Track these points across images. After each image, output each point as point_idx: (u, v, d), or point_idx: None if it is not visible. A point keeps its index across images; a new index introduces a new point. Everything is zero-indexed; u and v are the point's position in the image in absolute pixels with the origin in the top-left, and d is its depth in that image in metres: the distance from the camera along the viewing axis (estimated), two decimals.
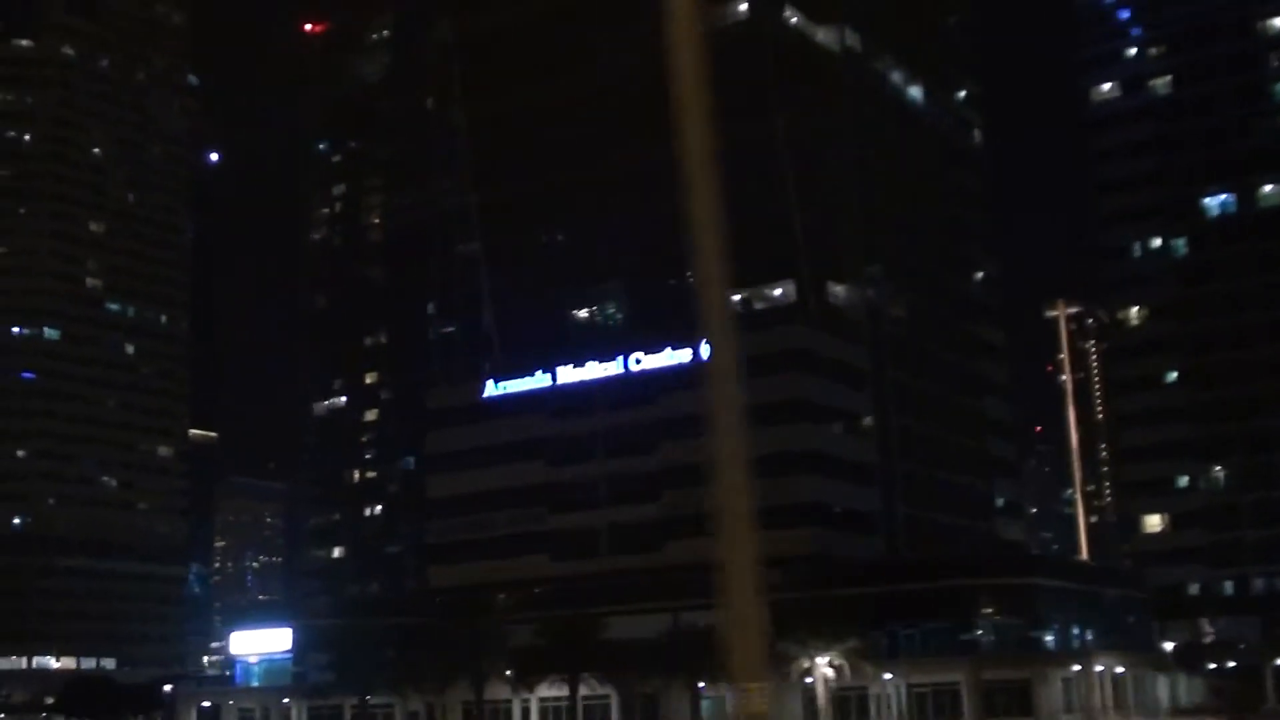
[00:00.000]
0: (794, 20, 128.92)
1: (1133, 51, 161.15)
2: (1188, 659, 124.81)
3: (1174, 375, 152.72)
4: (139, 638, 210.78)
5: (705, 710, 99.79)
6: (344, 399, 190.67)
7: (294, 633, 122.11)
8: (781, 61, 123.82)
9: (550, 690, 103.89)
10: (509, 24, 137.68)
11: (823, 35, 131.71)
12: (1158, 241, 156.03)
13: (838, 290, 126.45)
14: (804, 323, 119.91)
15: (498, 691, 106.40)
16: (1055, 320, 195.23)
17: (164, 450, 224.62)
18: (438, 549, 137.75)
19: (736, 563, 12.81)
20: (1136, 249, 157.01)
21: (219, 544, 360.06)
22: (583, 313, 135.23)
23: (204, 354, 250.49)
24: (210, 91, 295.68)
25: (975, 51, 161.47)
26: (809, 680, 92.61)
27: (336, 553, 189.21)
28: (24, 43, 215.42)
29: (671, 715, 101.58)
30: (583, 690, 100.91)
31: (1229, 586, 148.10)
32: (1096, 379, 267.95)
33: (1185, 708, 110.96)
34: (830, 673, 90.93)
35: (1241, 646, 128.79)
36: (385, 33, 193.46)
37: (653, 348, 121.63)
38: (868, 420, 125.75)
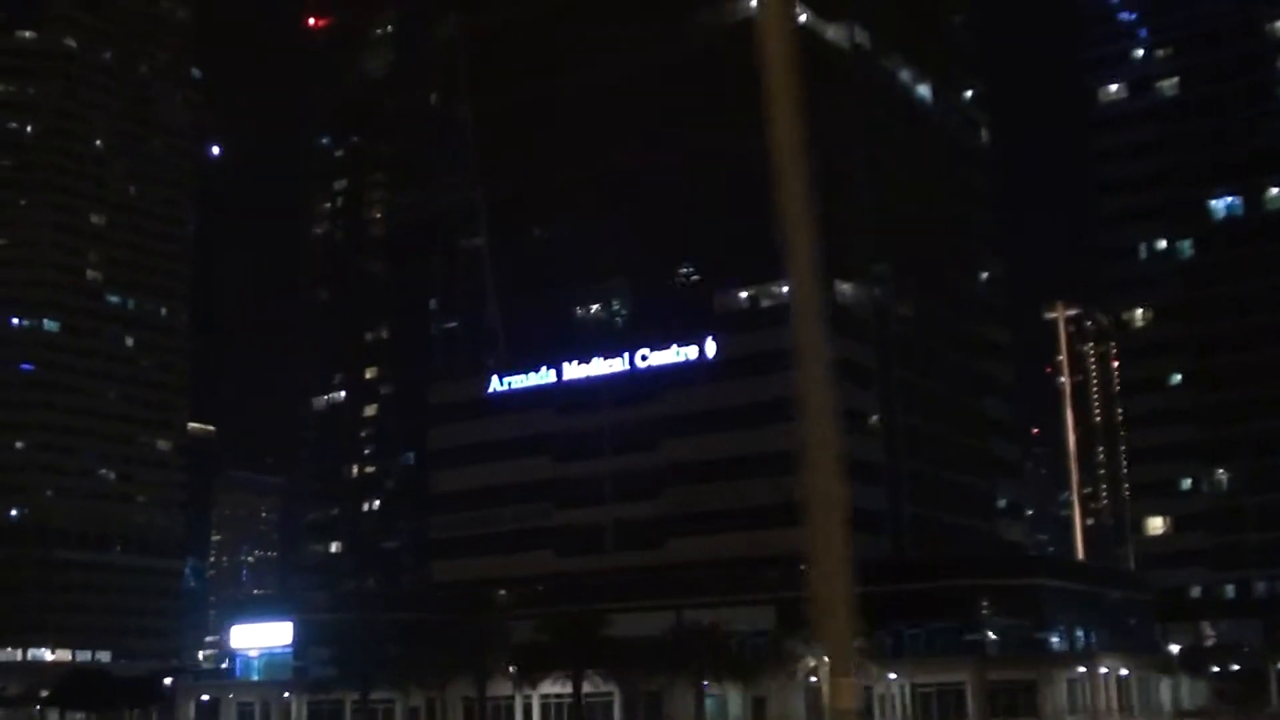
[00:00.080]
0: (804, 17, 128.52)
1: (1140, 53, 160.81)
2: (1191, 661, 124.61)
3: (1178, 377, 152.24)
4: (135, 631, 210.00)
5: (709, 708, 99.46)
6: (343, 394, 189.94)
7: (295, 627, 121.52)
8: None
9: (553, 687, 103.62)
10: (513, 20, 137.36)
11: (833, 32, 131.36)
12: (1163, 243, 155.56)
13: (845, 288, 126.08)
14: None
15: (500, 688, 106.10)
16: (1054, 322, 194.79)
17: (163, 443, 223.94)
18: (441, 544, 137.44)
19: (828, 555, 12.39)
20: (1142, 250, 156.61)
21: (216, 538, 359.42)
22: (588, 309, 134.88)
23: (204, 347, 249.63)
24: (213, 85, 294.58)
25: (980, 51, 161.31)
26: (814, 680, 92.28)
27: (334, 548, 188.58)
28: (27, 34, 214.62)
29: (675, 713, 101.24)
30: (586, 687, 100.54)
31: (1231, 590, 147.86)
32: (1095, 382, 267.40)
33: (1189, 710, 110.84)
34: None
35: (1244, 649, 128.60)
36: (389, 28, 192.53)
37: (658, 344, 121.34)
38: (874, 419, 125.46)
